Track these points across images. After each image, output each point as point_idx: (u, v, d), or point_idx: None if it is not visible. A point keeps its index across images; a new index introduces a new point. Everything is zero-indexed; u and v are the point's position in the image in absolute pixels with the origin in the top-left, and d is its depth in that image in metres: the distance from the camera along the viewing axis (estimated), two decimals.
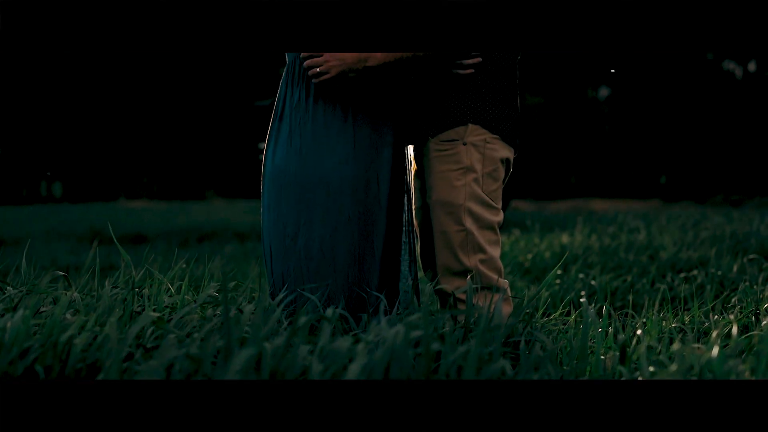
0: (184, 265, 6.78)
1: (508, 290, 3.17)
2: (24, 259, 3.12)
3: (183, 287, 2.78)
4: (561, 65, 36.60)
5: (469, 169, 3.10)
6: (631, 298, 4.82)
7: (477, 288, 3.07)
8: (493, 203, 3.14)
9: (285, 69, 3.27)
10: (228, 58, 39.61)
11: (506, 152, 3.18)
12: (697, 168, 35.95)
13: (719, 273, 4.85)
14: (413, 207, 3.33)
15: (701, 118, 35.27)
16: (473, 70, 3.11)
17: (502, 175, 3.19)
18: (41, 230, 15.86)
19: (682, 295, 4.77)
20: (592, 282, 4.92)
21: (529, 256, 6.53)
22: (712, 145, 35.56)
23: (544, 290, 4.96)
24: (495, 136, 3.14)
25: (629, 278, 5.01)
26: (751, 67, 35.14)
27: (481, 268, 3.09)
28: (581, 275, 5.09)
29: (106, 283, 3.31)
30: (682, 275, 5.07)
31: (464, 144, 3.11)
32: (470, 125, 3.12)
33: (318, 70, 3.03)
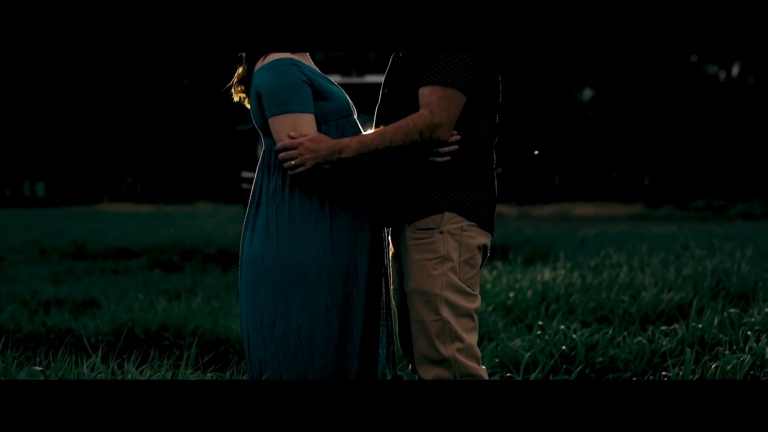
0: (165, 304, 6.75)
1: (486, 378, 3.16)
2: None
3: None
4: (546, 67, 36.63)
5: (446, 258, 3.08)
6: (611, 353, 4.84)
7: (455, 378, 3.06)
8: (471, 290, 3.13)
9: (261, 155, 3.24)
10: (218, 58, 39.42)
11: (483, 239, 3.16)
12: (680, 172, 36.09)
13: (699, 326, 4.85)
14: (391, 289, 3.31)
15: (685, 123, 35.39)
16: (449, 158, 3.09)
17: (480, 261, 3.18)
18: (24, 242, 15.77)
19: (662, 350, 4.80)
20: (574, 335, 4.92)
21: (512, 295, 6.52)
22: (696, 150, 35.70)
23: (526, 346, 4.95)
24: (472, 223, 3.12)
25: (610, 331, 5.01)
26: (735, 70, 35.28)
27: (459, 357, 3.08)
28: (562, 327, 5.08)
29: (84, 367, 3.28)
30: (663, 328, 5.07)
31: (441, 233, 3.09)
32: (447, 213, 3.10)
33: (293, 162, 3.01)
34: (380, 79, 9.88)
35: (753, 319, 4.81)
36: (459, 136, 3.09)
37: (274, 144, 3.11)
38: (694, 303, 5.45)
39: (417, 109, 3.05)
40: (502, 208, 23.85)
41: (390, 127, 3.02)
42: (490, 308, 6.34)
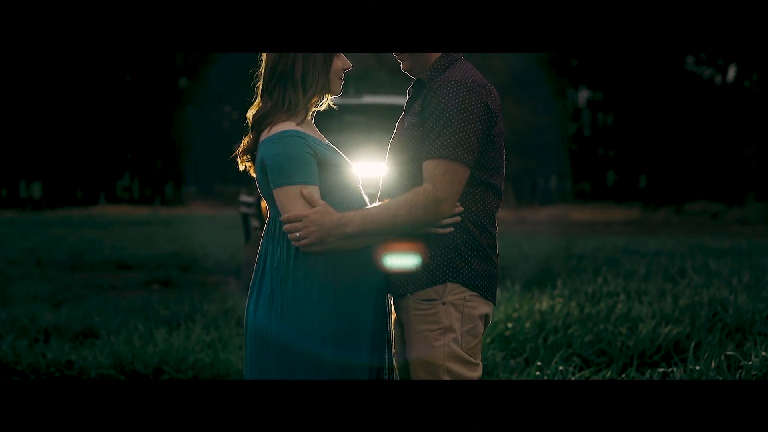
0: (164, 335, 6.77)
1: None
2: None
3: None
4: (544, 69, 36.67)
5: (448, 329, 3.11)
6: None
7: None
8: (473, 359, 3.16)
9: (266, 223, 3.27)
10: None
11: (485, 308, 3.19)
12: (676, 174, 36.15)
13: (697, 369, 4.90)
14: (393, 353, 3.34)
15: (681, 125, 35.45)
16: (451, 229, 3.12)
17: (482, 330, 3.21)
18: (21, 252, 15.78)
19: None
20: (572, 378, 4.96)
21: (510, 325, 6.56)
22: (692, 153, 35.76)
23: None
24: (474, 293, 3.15)
25: (608, 374, 5.05)
26: (731, 74, 35.33)
27: None
28: (561, 368, 5.12)
29: None
30: (661, 371, 5.11)
31: (443, 303, 3.12)
32: (449, 284, 3.13)
33: (297, 234, 3.04)
34: (377, 100, 9.88)
35: (750, 363, 4.85)
36: (462, 208, 3.12)
37: (279, 214, 3.14)
38: (692, 341, 5.49)
39: (421, 181, 3.08)
40: (498, 213, 23.90)
41: (394, 201, 3.05)
42: (488, 340, 6.37)
